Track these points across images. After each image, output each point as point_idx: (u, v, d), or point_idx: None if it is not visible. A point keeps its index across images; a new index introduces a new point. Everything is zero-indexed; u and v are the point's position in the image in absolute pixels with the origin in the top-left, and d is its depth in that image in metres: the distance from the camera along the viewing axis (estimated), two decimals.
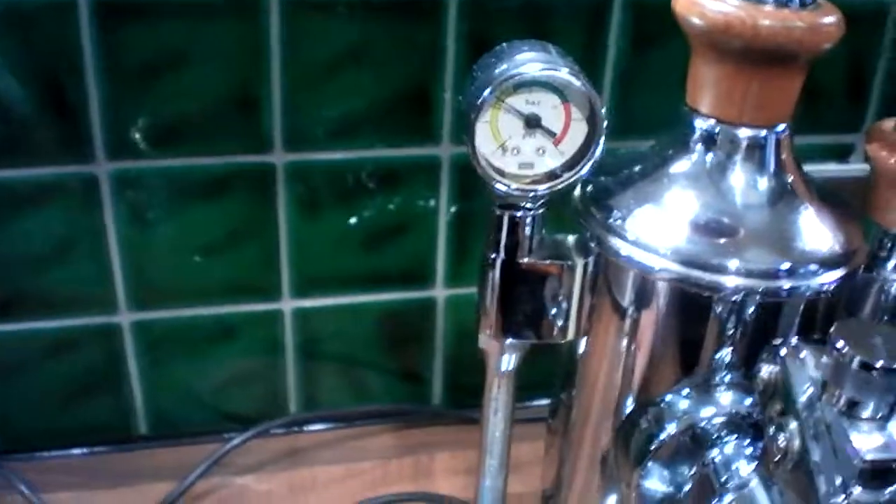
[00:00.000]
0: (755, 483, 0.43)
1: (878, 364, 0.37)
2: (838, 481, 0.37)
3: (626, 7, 0.70)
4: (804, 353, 0.41)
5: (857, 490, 0.36)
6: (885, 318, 0.51)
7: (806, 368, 0.40)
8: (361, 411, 0.83)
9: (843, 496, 0.37)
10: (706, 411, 0.47)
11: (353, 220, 0.74)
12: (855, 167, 0.79)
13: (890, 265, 0.50)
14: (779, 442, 0.40)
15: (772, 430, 0.41)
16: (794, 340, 0.42)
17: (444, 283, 0.79)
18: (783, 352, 0.41)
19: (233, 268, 0.74)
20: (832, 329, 0.38)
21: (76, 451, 0.79)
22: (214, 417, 0.80)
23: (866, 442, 0.37)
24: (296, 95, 0.69)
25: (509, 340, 0.52)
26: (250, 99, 0.68)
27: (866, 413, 0.37)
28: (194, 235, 0.73)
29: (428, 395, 0.84)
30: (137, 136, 0.68)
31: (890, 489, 0.36)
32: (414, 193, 0.74)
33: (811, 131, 0.76)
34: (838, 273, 0.46)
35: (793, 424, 0.39)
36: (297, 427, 0.82)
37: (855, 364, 0.37)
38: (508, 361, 0.53)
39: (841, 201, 0.50)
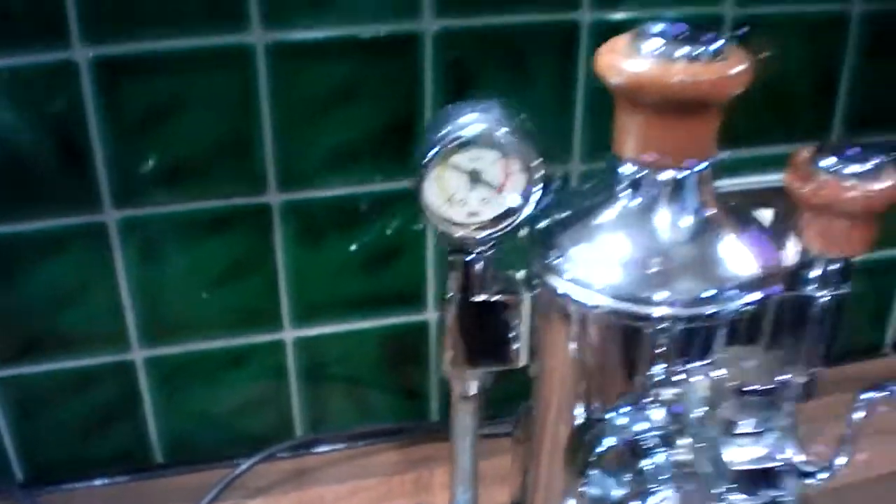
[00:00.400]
0: (670, 492, 0.48)
1: (751, 388, 0.41)
2: (718, 489, 0.42)
3: (593, 31, 0.73)
4: (695, 378, 0.45)
5: (734, 496, 0.41)
6: (814, 328, 0.55)
7: (697, 391, 0.45)
8: (364, 431, 0.86)
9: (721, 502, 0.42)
10: (640, 426, 0.50)
11: (349, 250, 0.78)
12: None
13: (811, 283, 0.54)
14: (678, 455, 0.45)
15: (675, 444, 0.46)
16: (688, 366, 0.46)
17: (434, 306, 0.82)
18: (679, 378, 0.45)
19: (237, 302, 0.78)
20: (714, 358, 0.43)
21: (98, 481, 0.82)
22: (226, 443, 0.83)
23: (738, 454, 0.42)
24: (286, 137, 0.72)
25: (469, 369, 0.56)
26: (244, 143, 0.72)
27: (743, 429, 0.42)
28: (199, 274, 0.76)
29: (426, 411, 0.87)
30: (141, 184, 0.72)
31: (765, 493, 0.41)
32: (404, 224, 0.78)
33: (780, 140, 0.79)
34: (757, 295, 0.50)
35: (687, 440, 0.44)
36: (304, 449, 0.85)
37: (731, 390, 0.42)
38: (470, 387, 0.57)
39: (762, 227, 0.54)
